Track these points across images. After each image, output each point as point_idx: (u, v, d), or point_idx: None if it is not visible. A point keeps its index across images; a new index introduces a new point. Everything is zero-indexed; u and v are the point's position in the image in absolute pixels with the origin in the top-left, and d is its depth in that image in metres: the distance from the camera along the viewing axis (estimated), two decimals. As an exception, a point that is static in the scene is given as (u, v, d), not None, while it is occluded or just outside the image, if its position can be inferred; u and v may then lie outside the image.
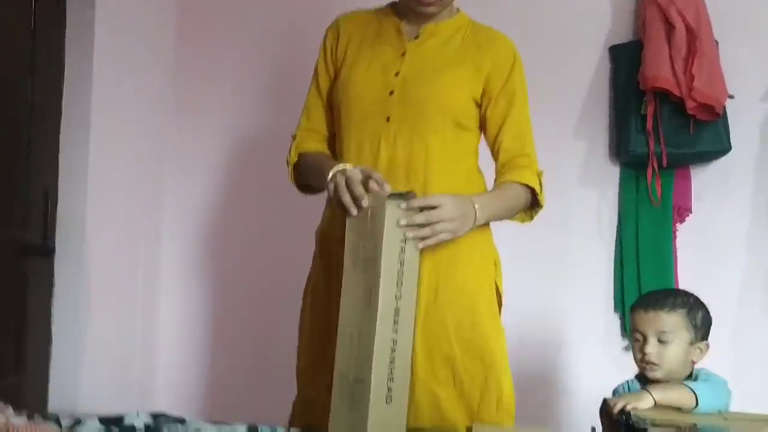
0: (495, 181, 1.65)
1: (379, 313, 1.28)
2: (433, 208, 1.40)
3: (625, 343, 2.68)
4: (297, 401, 1.73)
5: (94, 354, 2.43)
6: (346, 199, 1.39)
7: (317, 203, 2.52)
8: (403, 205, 1.36)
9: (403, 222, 1.36)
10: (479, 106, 1.66)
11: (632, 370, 2.68)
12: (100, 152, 2.40)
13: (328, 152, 1.73)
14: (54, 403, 2.28)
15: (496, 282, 1.66)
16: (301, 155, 1.71)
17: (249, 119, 2.90)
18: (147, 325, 2.84)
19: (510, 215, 1.64)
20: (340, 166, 1.52)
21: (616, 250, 2.70)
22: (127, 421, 1.51)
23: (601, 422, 1.53)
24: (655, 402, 1.45)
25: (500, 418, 1.58)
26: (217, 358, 2.90)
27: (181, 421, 1.53)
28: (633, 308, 1.68)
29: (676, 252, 2.64)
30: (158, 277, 2.89)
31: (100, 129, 2.39)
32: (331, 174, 1.50)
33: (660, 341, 1.60)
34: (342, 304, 1.36)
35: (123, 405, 2.51)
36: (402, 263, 1.31)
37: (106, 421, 1.50)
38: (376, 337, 1.28)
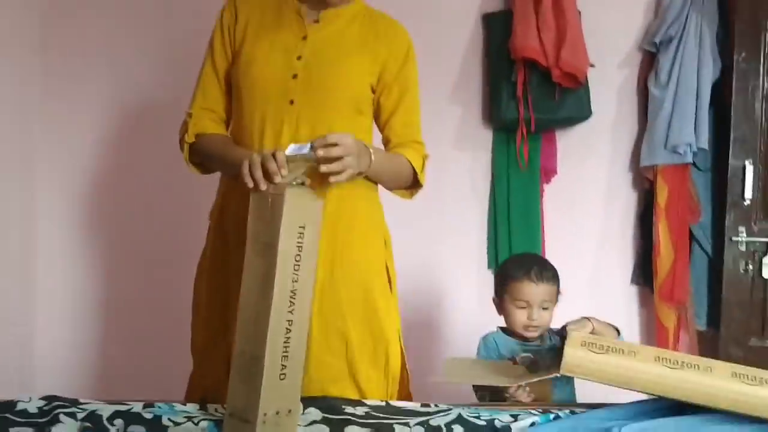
0: None
1: (274, 294, 1.35)
2: (334, 144, 1.43)
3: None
4: (193, 375, 1.77)
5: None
6: (258, 174, 1.40)
7: (199, 178, 2.52)
8: (306, 149, 1.41)
9: (323, 168, 1.40)
10: (374, 92, 1.72)
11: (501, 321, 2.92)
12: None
13: (227, 134, 1.73)
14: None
15: (386, 262, 1.76)
16: (198, 136, 1.70)
17: (127, 81, 2.82)
18: (24, 304, 2.76)
19: (395, 179, 1.71)
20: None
21: (489, 210, 2.87)
22: (20, 407, 1.50)
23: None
24: (593, 329, 1.63)
25: (387, 383, 1.70)
26: (96, 337, 2.86)
27: (75, 402, 1.54)
28: (516, 277, 1.85)
29: (543, 211, 2.84)
30: (37, 250, 2.81)
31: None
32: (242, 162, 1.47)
33: (541, 308, 1.80)
34: (243, 286, 1.41)
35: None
36: (300, 247, 1.37)
37: (-2, 408, 1.49)
38: (270, 316, 1.35)
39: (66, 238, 2.85)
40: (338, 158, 1.43)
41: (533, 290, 1.83)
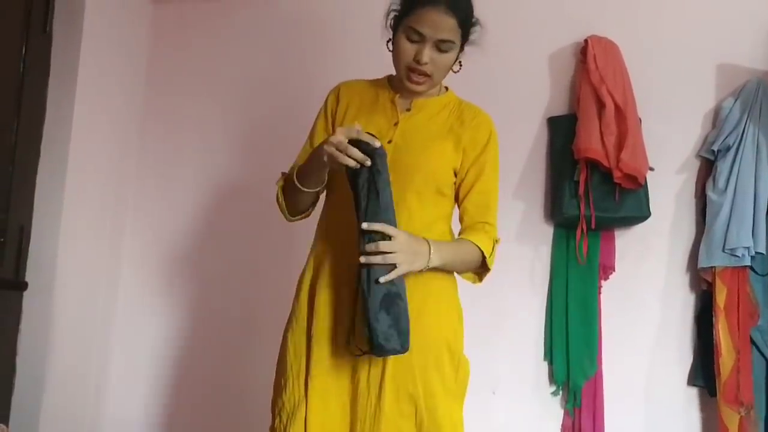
0: None
1: None
2: (389, 237, 1.60)
3: (553, 388, 2.93)
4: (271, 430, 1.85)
5: (53, 386, 2.52)
6: (351, 162, 1.61)
7: (271, 246, 2.71)
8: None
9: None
10: (456, 175, 1.88)
11: (559, 415, 2.95)
12: (74, 193, 2.54)
13: None
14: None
15: (456, 333, 1.86)
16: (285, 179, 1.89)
17: (214, 165, 3.09)
18: (101, 360, 2.93)
19: (462, 266, 1.84)
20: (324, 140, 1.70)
21: (547, 303, 2.96)
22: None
23: None
24: None
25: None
26: (169, 396, 3.01)
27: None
28: None
29: (600, 306, 2.91)
30: (115, 315, 3.01)
31: (75, 172, 2.53)
32: (319, 149, 1.68)
33: None
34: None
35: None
36: None
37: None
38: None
39: (146, 297, 3.08)
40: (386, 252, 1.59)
41: None
